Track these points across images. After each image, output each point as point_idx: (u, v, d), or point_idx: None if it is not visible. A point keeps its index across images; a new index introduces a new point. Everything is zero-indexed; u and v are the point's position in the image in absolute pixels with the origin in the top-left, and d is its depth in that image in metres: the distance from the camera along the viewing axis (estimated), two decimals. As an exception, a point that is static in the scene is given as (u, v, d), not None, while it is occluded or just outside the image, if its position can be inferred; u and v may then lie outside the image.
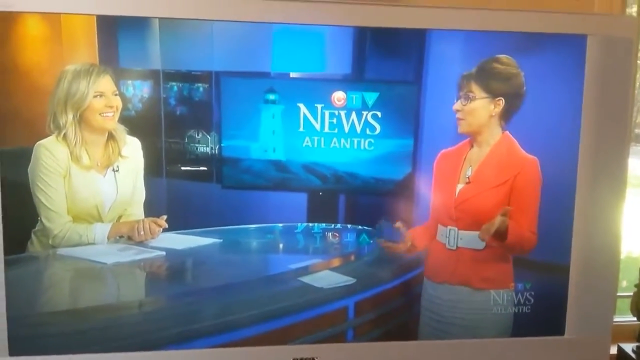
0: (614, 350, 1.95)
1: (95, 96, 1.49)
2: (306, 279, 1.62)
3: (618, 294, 2.22)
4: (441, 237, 1.65)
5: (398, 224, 1.64)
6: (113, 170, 1.55)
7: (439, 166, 1.63)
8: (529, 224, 1.64)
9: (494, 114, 1.60)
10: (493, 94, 1.59)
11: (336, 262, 1.67)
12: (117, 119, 1.51)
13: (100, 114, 1.50)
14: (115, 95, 1.50)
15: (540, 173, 1.62)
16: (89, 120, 1.50)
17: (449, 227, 1.64)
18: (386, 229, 1.63)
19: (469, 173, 1.63)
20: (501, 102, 1.59)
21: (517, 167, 1.62)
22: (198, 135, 1.54)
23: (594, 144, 1.62)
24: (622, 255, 2.22)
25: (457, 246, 1.64)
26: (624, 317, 2.17)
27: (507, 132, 1.62)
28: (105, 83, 1.48)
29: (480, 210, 1.62)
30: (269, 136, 1.56)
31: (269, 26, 1.52)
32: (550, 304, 1.68)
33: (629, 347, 1.94)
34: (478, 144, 1.64)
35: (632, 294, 1.99)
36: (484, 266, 1.65)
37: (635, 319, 2.01)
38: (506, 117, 1.62)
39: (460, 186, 1.64)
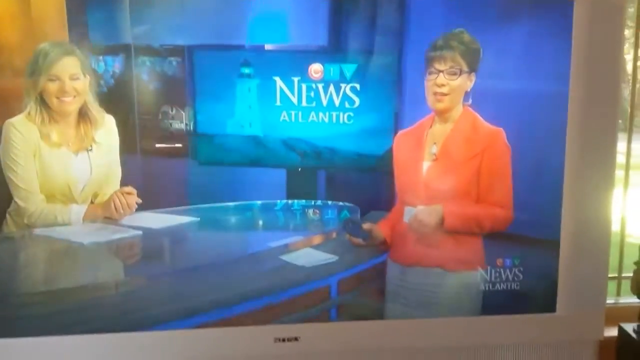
0: (615, 330, 1.89)
1: (50, 80, 1.47)
2: (287, 257, 1.59)
3: (623, 275, 2.17)
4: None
5: (367, 226, 1.60)
6: (86, 149, 1.53)
7: (399, 147, 1.58)
8: (501, 199, 1.58)
9: (468, 90, 1.56)
10: (471, 69, 1.54)
11: (317, 239, 1.63)
12: (79, 103, 1.49)
13: (56, 97, 1.48)
14: (75, 79, 1.47)
15: (508, 144, 1.57)
16: (48, 102, 1.48)
17: (418, 207, 1.59)
18: (353, 228, 1.59)
19: (434, 150, 1.58)
20: (473, 76, 1.55)
21: (485, 140, 1.57)
22: (172, 111, 1.51)
23: (583, 118, 1.56)
24: (631, 239, 2.16)
25: None
26: (629, 299, 2.11)
27: (467, 105, 1.57)
28: (64, 66, 1.46)
29: (451, 186, 1.57)
30: (245, 111, 1.53)
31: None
32: (541, 281, 1.63)
33: (630, 327, 1.87)
34: (443, 120, 1.58)
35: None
36: (457, 246, 1.60)
37: (639, 300, 1.94)
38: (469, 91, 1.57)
39: (426, 164, 1.58)
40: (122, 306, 1.54)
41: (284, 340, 1.57)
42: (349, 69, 1.54)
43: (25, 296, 1.51)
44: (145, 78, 1.50)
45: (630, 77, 2.12)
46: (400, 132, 1.58)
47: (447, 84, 1.54)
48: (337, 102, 1.55)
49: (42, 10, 1.44)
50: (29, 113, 1.48)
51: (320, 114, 1.55)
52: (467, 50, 1.53)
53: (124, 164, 1.53)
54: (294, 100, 1.54)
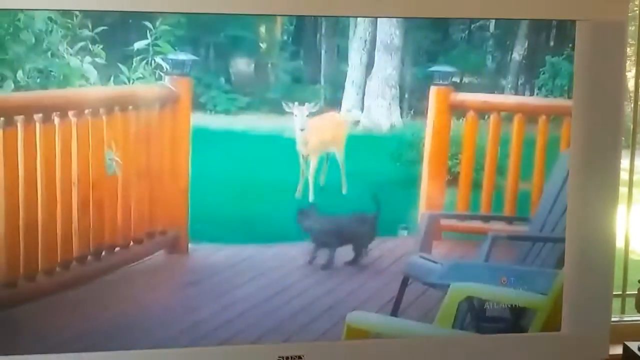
0: (619, 349, 1.87)
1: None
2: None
3: (627, 292, 2.16)
4: None
5: None
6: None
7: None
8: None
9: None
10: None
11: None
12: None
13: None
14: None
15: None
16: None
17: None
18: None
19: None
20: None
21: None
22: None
23: (586, 138, 1.56)
24: (634, 255, 2.16)
25: None
26: (634, 317, 2.10)
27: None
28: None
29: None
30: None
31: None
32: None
33: (635, 346, 1.86)
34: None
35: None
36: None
37: (644, 318, 1.94)
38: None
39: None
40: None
41: (287, 358, 1.56)
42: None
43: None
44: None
45: (632, 95, 2.12)
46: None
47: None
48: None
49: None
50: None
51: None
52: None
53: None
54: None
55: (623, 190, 1.89)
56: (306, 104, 1.51)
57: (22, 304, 1.49)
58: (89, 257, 1.55)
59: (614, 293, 1.96)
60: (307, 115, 1.52)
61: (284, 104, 1.50)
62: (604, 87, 1.56)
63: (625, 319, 2.14)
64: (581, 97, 1.55)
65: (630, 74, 2.11)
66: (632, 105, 2.11)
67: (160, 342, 1.53)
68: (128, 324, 1.53)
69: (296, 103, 1.51)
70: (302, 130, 1.53)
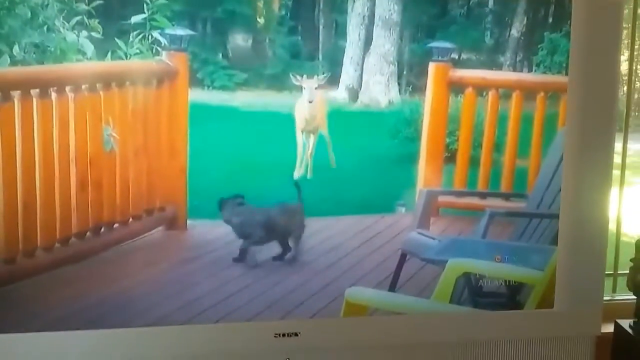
0: (611, 327, 1.89)
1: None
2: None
3: (619, 272, 2.18)
4: None
5: None
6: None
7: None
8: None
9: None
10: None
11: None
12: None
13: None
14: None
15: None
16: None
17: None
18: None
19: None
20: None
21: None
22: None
23: (581, 117, 1.57)
24: (625, 238, 2.17)
25: None
26: (625, 296, 2.12)
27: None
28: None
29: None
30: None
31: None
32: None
33: (626, 323, 1.88)
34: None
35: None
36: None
37: (634, 297, 1.95)
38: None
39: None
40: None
41: (284, 335, 1.56)
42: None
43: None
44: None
45: (624, 78, 2.12)
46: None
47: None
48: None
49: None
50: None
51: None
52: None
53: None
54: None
55: (616, 173, 1.90)
56: (315, 76, 1.50)
57: (21, 280, 1.49)
58: (88, 234, 1.54)
59: (606, 272, 1.98)
60: (316, 88, 1.51)
61: (292, 77, 1.50)
62: (599, 67, 1.56)
63: (617, 297, 2.16)
64: (576, 76, 1.56)
65: (624, 57, 2.12)
66: (625, 89, 2.12)
67: (157, 319, 1.53)
68: (126, 301, 1.53)
69: (305, 75, 1.50)
70: (310, 102, 1.52)
